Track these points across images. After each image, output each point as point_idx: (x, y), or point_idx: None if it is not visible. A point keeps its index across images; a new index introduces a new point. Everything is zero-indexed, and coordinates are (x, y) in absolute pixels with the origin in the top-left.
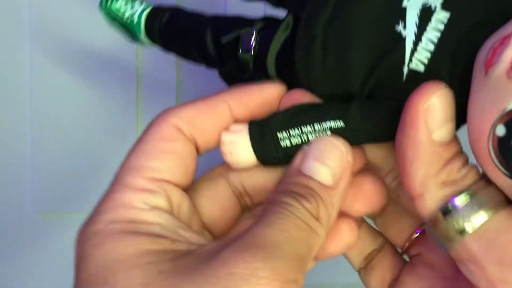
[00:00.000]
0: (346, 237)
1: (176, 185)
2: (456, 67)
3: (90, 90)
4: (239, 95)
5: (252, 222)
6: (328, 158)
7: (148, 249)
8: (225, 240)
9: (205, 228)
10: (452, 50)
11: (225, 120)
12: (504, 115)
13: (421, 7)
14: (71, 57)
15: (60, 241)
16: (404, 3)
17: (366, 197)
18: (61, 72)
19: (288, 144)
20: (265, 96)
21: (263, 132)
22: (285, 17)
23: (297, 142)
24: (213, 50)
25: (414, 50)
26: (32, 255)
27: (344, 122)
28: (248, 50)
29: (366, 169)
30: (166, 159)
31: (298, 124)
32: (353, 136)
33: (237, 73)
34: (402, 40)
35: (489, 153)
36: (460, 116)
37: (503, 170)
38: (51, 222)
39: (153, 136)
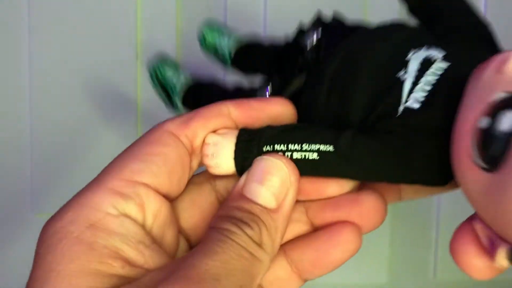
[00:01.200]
0: (349, 243)
1: (157, 191)
2: (449, 105)
3: (90, 93)
4: (241, 103)
5: (193, 249)
6: (270, 179)
7: (95, 270)
8: (166, 268)
9: (183, 233)
10: (447, 91)
11: (223, 118)
12: (488, 107)
13: (422, 60)
14: (72, 58)
15: None
16: (408, 57)
17: (364, 215)
18: (61, 72)
19: None
20: (269, 109)
21: (250, 139)
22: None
23: None
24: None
25: (411, 90)
26: (31, 255)
27: (333, 147)
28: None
29: (369, 186)
30: (150, 162)
31: (287, 140)
32: (338, 163)
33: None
34: (401, 83)
35: (470, 148)
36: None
37: (481, 163)
38: None
39: (142, 140)
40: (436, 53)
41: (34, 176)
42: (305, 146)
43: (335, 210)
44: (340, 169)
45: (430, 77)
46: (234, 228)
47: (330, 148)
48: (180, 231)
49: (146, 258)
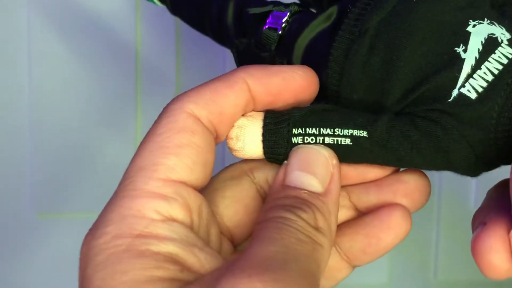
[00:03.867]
0: (401, 226)
1: (194, 187)
2: (510, 103)
3: (90, 93)
4: (260, 75)
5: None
6: (311, 165)
7: (153, 276)
8: (227, 264)
9: (227, 233)
10: (511, 87)
11: (245, 102)
12: None
13: (486, 36)
14: (70, 52)
15: (59, 240)
16: (469, 28)
17: (409, 195)
18: (61, 72)
19: (300, 141)
20: (290, 82)
21: (278, 121)
22: (327, 8)
23: (310, 143)
24: (232, 19)
25: (470, 75)
26: (32, 255)
27: (367, 132)
28: (276, 29)
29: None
30: (183, 155)
31: (318, 124)
32: (372, 149)
33: (254, 50)
34: (460, 61)
35: None
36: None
37: None
38: (50, 222)
39: (167, 128)
40: (500, 33)
41: (34, 176)
42: (337, 131)
43: (379, 191)
44: (372, 156)
45: (493, 64)
46: (287, 214)
47: (364, 133)
48: (222, 231)
49: (202, 262)
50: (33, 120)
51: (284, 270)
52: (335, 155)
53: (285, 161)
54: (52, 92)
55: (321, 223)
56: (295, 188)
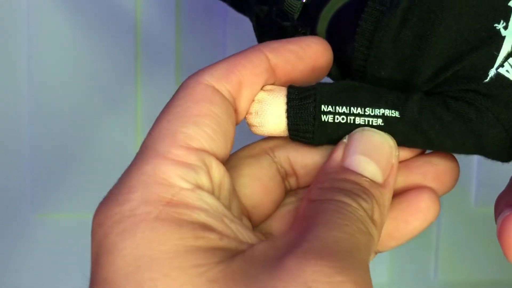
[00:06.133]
0: (429, 210)
1: (216, 157)
2: None
3: (90, 92)
4: (277, 45)
5: (303, 222)
6: (375, 152)
7: (192, 246)
8: (278, 241)
9: (245, 211)
10: None
11: (263, 71)
12: None
13: None
14: (69, 40)
15: (59, 241)
16: (511, 3)
17: (439, 178)
18: (60, 70)
19: (330, 120)
20: (306, 48)
21: (304, 96)
22: None
23: (341, 122)
24: None
25: (510, 54)
26: (32, 255)
27: (400, 112)
28: None
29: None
30: (203, 124)
31: (349, 103)
32: (404, 130)
33: (276, 19)
34: (499, 39)
35: None
36: None
37: None
38: (50, 223)
39: (185, 99)
40: None
41: (34, 176)
42: (368, 111)
43: (408, 173)
44: (402, 137)
45: None
46: (349, 200)
47: (396, 113)
48: (242, 211)
49: (235, 233)
50: (32, 119)
51: (349, 259)
52: (397, 146)
53: (344, 140)
54: (52, 93)
55: (376, 215)
56: (356, 173)
